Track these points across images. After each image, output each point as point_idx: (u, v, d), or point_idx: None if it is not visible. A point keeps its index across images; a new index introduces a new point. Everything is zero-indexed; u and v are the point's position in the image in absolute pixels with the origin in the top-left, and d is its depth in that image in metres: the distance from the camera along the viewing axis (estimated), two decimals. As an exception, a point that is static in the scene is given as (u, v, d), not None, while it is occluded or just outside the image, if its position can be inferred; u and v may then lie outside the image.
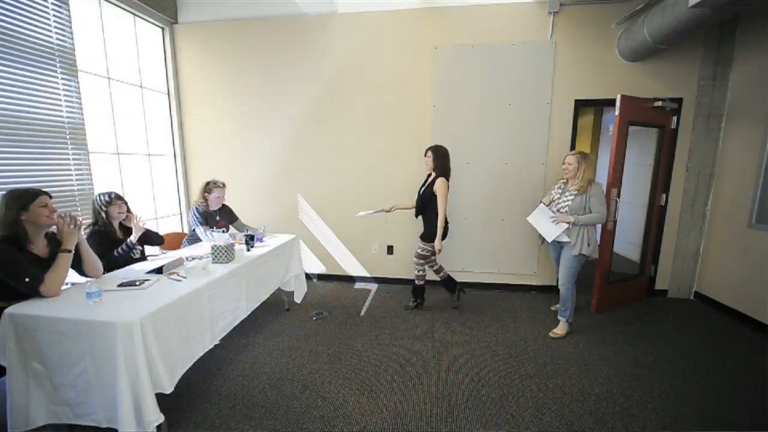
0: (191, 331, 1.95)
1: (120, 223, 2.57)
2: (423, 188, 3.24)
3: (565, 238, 2.81)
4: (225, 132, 4.18)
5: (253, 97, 4.06)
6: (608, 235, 3.33)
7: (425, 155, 3.20)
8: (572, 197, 2.77)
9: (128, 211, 2.57)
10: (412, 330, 3.05)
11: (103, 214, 2.43)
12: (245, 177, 4.22)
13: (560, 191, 2.91)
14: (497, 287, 4.00)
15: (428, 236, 3.20)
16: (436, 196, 3.08)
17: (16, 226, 1.78)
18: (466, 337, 2.92)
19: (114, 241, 2.48)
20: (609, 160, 3.29)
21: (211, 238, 3.01)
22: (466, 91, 3.69)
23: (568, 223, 2.76)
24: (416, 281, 3.45)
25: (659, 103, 3.34)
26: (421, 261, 3.34)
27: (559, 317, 2.98)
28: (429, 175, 3.24)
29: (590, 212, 2.75)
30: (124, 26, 3.62)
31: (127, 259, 2.49)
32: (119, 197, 2.52)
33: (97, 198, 2.45)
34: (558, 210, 2.86)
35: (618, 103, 3.22)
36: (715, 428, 1.95)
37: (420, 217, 3.30)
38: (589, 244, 2.76)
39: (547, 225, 2.88)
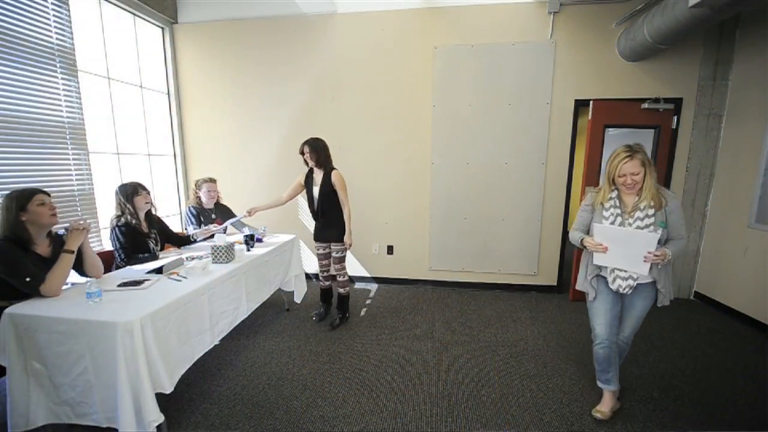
0: (191, 331, 1.95)
1: (146, 214, 2.61)
2: (319, 188, 2.90)
3: (646, 278, 1.87)
4: (225, 132, 4.18)
5: (253, 96, 4.06)
6: None
7: (302, 152, 2.91)
8: (651, 219, 1.80)
9: (152, 203, 2.64)
10: (412, 330, 3.05)
11: (130, 206, 2.46)
12: (245, 177, 4.22)
13: (618, 211, 1.87)
14: (497, 287, 4.00)
15: (341, 235, 2.96)
16: (336, 191, 2.89)
17: (18, 227, 1.79)
18: (466, 337, 2.92)
19: (140, 234, 2.51)
20: (589, 159, 3.49)
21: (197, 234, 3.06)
22: (466, 91, 3.69)
23: (662, 261, 1.77)
24: (342, 290, 3.11)
25: (645, 105, 3.36)
26: (344, 264, 3.07)
27: (603, 385, 2.04)
28: (311, 171, 2.99)
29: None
30: (124, 26, 3.62)
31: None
32: (143, 187, 2.55)
33: (120, 189, 2.48)
34: None
35: (591, 108, 3.39)
36: (715, 428, 1.95)
37: (322, 218, 2.97)
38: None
39: (633, 258, 1.78)
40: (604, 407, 2.02)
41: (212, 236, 3.04)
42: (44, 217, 1.83)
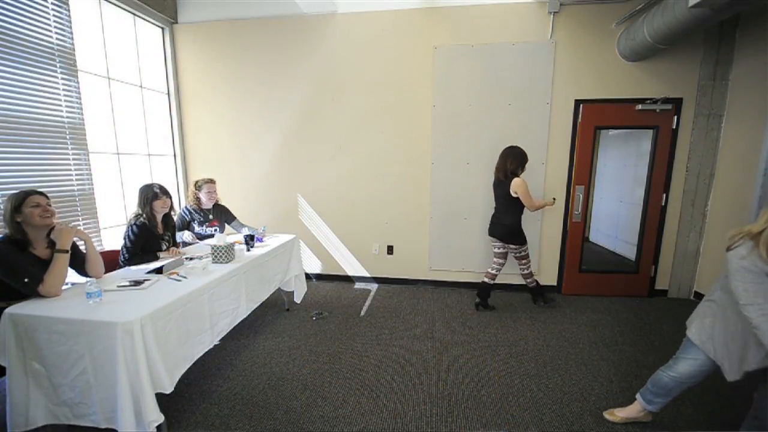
0: (191, 331, 1.95)
1: (164, 216, 2.67)
2: None
3: None
4: (225, 131, 4.18)
5: (253, 96, 4.06)
6: (578, 227, 3.71)
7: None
8: None
9: (171, 207, 2.70)
10: (412, 330, 3.05)
11: (148, 208, 2.53)
12: (245, 177, 4.22)
13: None
14: (497, 287, 3.99)
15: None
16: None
17: (14, 229, 1.81)
18: (466, 337, 2.92)
19: (154, 236, 2.56)
20: (579, 159, 3.58)
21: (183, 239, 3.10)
22: (466, 91, 3.69)
23: None
24: (528, 282, 3.42)
25: (639, 107, 3.37)
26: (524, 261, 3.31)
27: (644, 403, 1.88)
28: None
29: None
30: (124, 26, 3.61)
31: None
32: (165, 191, 2.60)
33: (142, 190, 2.54)
34: None
35: (581, 111, 3.46)
36: (715, 428, 1.95)
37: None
38: None
39: None
40: (622, 413, 1.92)
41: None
42: (35, 219, 1.82)
